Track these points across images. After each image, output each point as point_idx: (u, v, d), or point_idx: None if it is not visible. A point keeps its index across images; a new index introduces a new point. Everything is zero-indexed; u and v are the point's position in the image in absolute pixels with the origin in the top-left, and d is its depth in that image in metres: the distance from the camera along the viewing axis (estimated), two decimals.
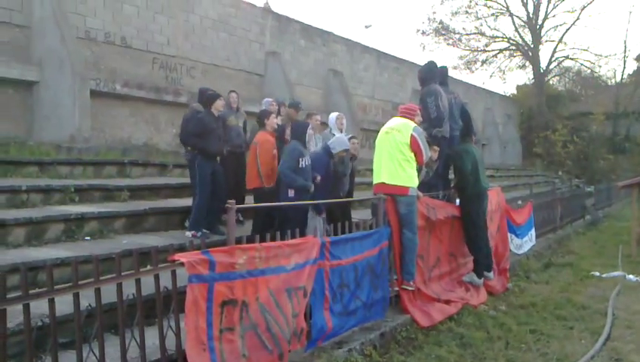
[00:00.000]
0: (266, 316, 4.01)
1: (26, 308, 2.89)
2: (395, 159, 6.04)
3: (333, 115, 8.14)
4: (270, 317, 4.04)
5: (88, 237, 6.46)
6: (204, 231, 7.07)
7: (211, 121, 7.20)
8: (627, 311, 6.90)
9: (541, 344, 5.68)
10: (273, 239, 4.38)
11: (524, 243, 10.19)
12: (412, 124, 6.21)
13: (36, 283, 4.72)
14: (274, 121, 7.36)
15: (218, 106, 7.33)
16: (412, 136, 6.07)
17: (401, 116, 6.38)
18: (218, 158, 7.38)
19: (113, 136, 11.62)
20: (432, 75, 7.24)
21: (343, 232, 5.26)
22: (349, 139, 7.41)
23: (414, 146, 6.07)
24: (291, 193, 6.37)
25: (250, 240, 4.33)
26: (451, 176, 7.79)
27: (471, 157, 7.15)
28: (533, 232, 10.72)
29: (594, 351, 5.36)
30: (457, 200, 7.49)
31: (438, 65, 7.49)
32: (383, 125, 6.59)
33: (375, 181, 6.21)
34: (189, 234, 6.90)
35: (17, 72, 10.07)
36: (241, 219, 7.87)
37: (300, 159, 6.43)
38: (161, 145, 12.31)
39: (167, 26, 13.01)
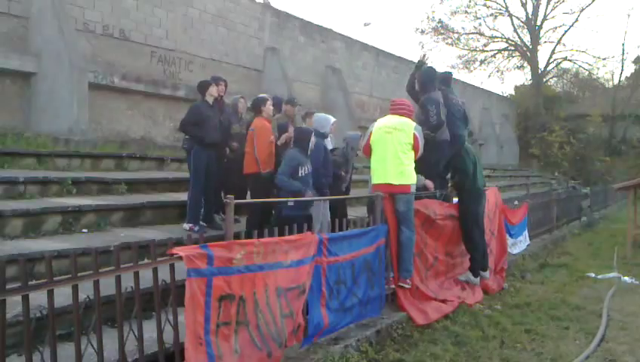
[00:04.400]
0: (257, 313, 4.01)
1: (25, 299, 2.88)
2: (399, 159, 6.11)
3: (331, 119, 7.57)
4: (261, 315, 4.03)
5: (85, 230, 6.45)
6: (202, 223, 7.07)
7: (206, 108, 7.19)
8: (622, 313, 6.92)
9: (536, 344, 5.70)
10: (271, 235, 4.38)
11: (518, 243, 10.21)
12: (412, 123, 6.31)
13: (33, 275, 4.70)
14: (270, 108, 7.38)
15: (212, 92, 7.28)
16: (415, 135, 6.19)
17: (397, 114, 6.38)
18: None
19: (110, 129, 11.59)
20: (432, 80, 7.19)
21: (341, 229, 5.27)
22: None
23: (416, 145, 6.21)
24: (291, 203, 6.10)
25: (248, 235, 4.33)
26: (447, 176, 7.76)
27: (471, 156, 7.18)
28: (526, 233, 10.75)
29: (588, 352, 5.39)
30: (455, 199, 7.50)
31: (443, 71, 7.41)
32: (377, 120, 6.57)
33: (378, 181, 6.19)
34: (186, 226, 6.89)
35: (15, 62, 10.03)
36: (236, 218, 7.79)
37: (300, 168, 6.23)
38: (158, 139, 12.29)
39: (166, 19, 12.97)
